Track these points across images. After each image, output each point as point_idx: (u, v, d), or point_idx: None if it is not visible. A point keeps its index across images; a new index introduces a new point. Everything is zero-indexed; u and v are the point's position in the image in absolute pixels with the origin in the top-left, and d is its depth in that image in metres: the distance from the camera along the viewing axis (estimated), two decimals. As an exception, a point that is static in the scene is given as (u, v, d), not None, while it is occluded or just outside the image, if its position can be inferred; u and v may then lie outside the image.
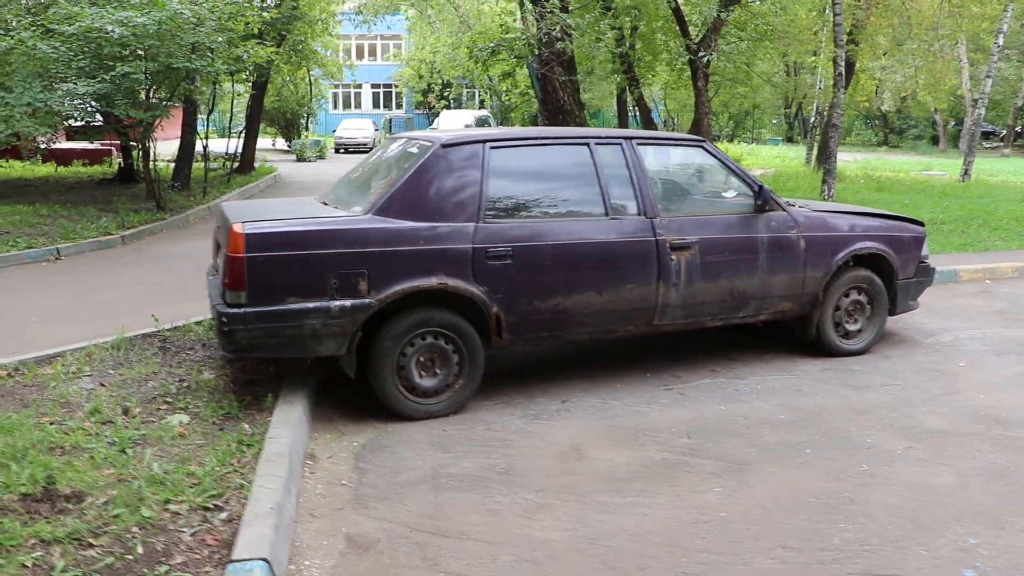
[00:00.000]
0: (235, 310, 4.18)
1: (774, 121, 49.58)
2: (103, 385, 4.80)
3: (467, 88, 39.42)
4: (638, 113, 17.75)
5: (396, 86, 43.16)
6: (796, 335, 5.78)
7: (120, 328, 5.66)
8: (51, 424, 4.18)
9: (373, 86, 43.42)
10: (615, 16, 12.79)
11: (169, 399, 4.59)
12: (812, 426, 4.53)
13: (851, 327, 5.75)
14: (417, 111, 43.17)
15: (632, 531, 3.41)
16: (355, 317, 4.33)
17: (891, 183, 18.38)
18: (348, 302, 4.30)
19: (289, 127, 28.18)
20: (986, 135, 38.88)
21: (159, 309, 6.88)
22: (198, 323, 6.00)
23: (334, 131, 32.56)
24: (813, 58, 20.86)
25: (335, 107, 42.59)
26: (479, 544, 3.30)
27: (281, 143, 28.94)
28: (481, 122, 22.65)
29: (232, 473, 3.68)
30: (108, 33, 9.63)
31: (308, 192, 16.86)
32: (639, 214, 4.95)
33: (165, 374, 5.01)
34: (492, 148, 4.72)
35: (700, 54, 13.58)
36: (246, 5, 11.46)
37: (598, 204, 4.90)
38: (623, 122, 21.55)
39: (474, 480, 3.85)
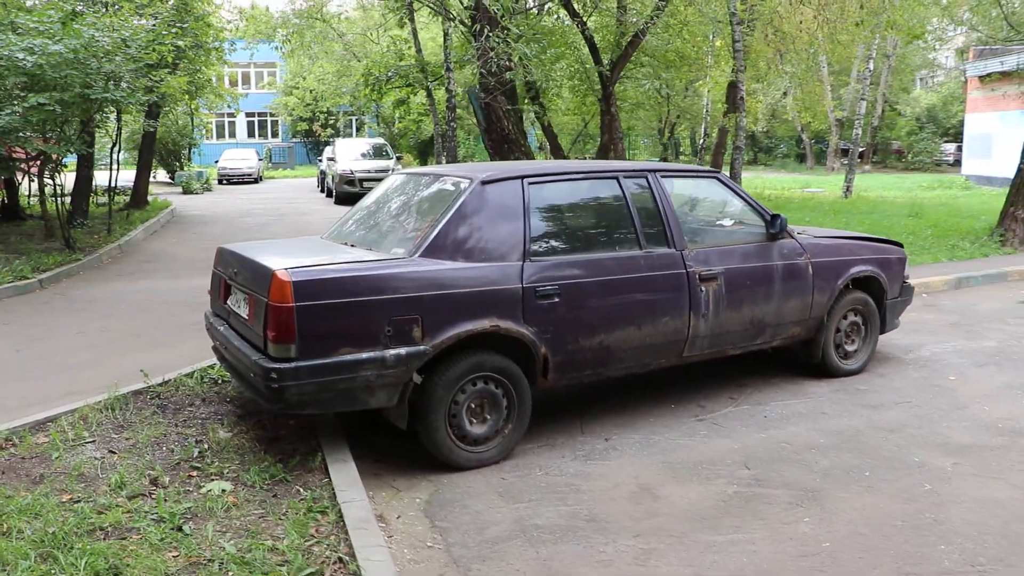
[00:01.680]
0: (285, 365, 3.90)
1: (644, 141, 51.39)
2: (113, 452, 4.39)
3: (352, 116, 38.85)
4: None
5: (273, 115, 42.05)
6: (800, 358, 5.95)
7: (111, 385, 5.27)
8: (76, 503, 3.77)
9: (248, 115, 42.09)
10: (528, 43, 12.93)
11: (196, 464, 4.25)
12: (855, 448, 4.65)
13: (849, 348, 5.98)
14: (294, 139, 42.20)
15: (751, 570, 3.39)
16: (409, 365, 4.13)
17: (782, 201, 19.32)
18: (403, 350, 4.10)
19: (171, 158, 26.89)
20: (845, 152, 41.71)
21: (120, 360, 6.44)
22: (188, 375, 5.60)
23: (216, 162, 31.34)
24: (700, 82, 21.75)
25: (207, 137, 41.05)
26: (610, 599, 3.19)
27: (163, 175, 27.58)
28: (378, 149, 22.32)
29: (317, 545, 3.42)
30: (18, 61, 8.90)
31: (217, 225, 16.19)
32: (669, 247, 4.98)
33: (176, 436, 4.63)
34: (530, 183, 4.65)
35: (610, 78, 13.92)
36: (163, 33, 10.87)
37: (632, 238, 4.90)
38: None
39: (564, 530, 3.73)
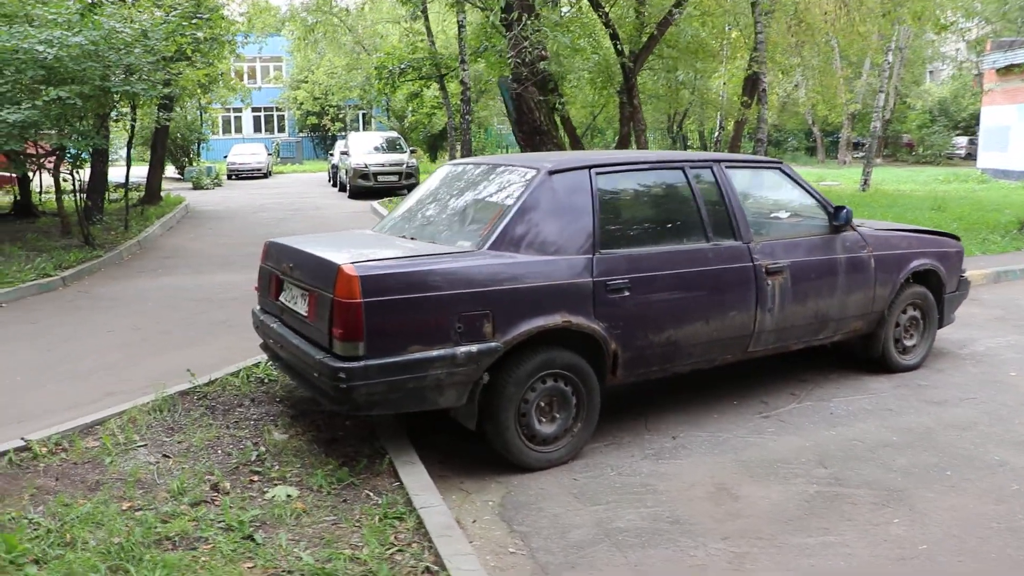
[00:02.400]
0: (354, 364, 3.78)
1: (650, 135, 51.21)
2: (167, 456, 4.27)
3: (360, 111, 38.64)
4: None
5: (280, 109, 41.88)
6: (859, 353, 5.82)
7: (158, 385, 5.13)
8: (137, 510, 3.65)
9: (254, 110, 41.89)
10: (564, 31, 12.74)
11: (256, 468, 4.13)
12: (930, 447, 4.54)
13: (908, 343, 5.86)
14: (301, 134, 42.01)
15: (850, 574, 3.26)
16: (480, 363, 4.01)
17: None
18: (474, 347, 3.97)
19: (180, 154, 26.77)
20: (857, 145, 41.58)
21: (155, 359, 6.34)
22: (234, 375, 5.48)
23: (225, 157, 31.20)
24: (717, 74, 21.60)
25: (213, 132, 40.93)
26: (713, 606, 3.07)
27: (171, 171, 27.44)
28: (392, 143, 22.16)
29: (400, 554, 3.32)
30: (37, 54, 8.76)
31: (233, 220, 16.05)
32: (735, 239, 4.86)
33: (229, 438, 4.51)
34: (598, 173, 4.52)
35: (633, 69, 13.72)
36: (184, 24, 10.72)
37: (698, 230, 4.78)
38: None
39: (649, 533, 3.62)
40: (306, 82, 35.14)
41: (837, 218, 5.29)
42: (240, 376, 5.44)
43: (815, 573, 3.29)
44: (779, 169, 5.39)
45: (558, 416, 4.32)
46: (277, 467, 4.13)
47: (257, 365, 5.66)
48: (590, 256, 4.32)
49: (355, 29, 25.70)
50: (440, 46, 22.70)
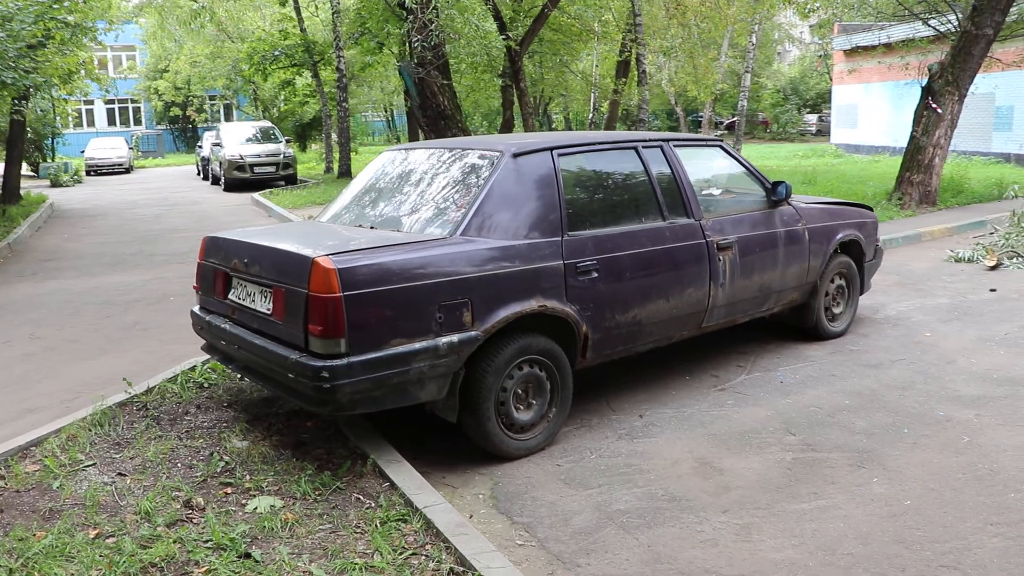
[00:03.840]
0: (337, 362, 3.58)
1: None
2: (123, 475, 3.93)
3: (227, 101, 36.84)
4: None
5: (135, 101, 39.45)
6: (792, 323, 6.03)
7: (95, 397, 4.77)
8: (107, 537, 3.34)
9: (107, 102, 39.28)
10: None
11: (226, 480, 3.87)
12: (880, 408, 4.75)
13: (836, 311, 6.13)
14: (160, 127, 39.79)
15: (852, 534, 3.38)
16: (461, 353, 3.89)
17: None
18: (455, 337, 3.85)
19: (32, 150, 24.79)
20: (717, 125, 43.32)
21: (69, 371, 5.91)
22: (171, 381, 5.10)
23: (82, 152, 29.17)
24: (588, 57, 21.92)
25: (65, 127, 38.17)
26: (737, 579, 3.09)
27: (24, 168, 25.34)
28: (266, 133, 21.29)
29: (415, 557, 3.17)
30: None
31: (107, 218, 15.04)
32: (688, 216, 4.92)
33: (185, 450, 4.20)
34: (560, 155, 4.46)
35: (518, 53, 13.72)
36: (54, 7, 9.85)
37: (654, 209, 4.80)
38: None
39: (650, 512, 3.62)
40: (167, 71, 33.23)
41: (775, 193, 5.44)
42: (178, 382, 5.07)
43: (820, 537, 3.37)
44: (719, 147, 5.49)
45: (534, 402, 4.26)
46: (249, 477, 3.87)
47: (193, 369, 5.31)
48: (559, 239, 4.27)
49: (217, 15, 24.48)
50: (310, 32, 22.00)
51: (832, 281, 6.04)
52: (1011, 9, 12.29)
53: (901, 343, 5.99)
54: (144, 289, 8.54)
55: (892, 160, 22.20)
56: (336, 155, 21.98)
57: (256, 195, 17.34)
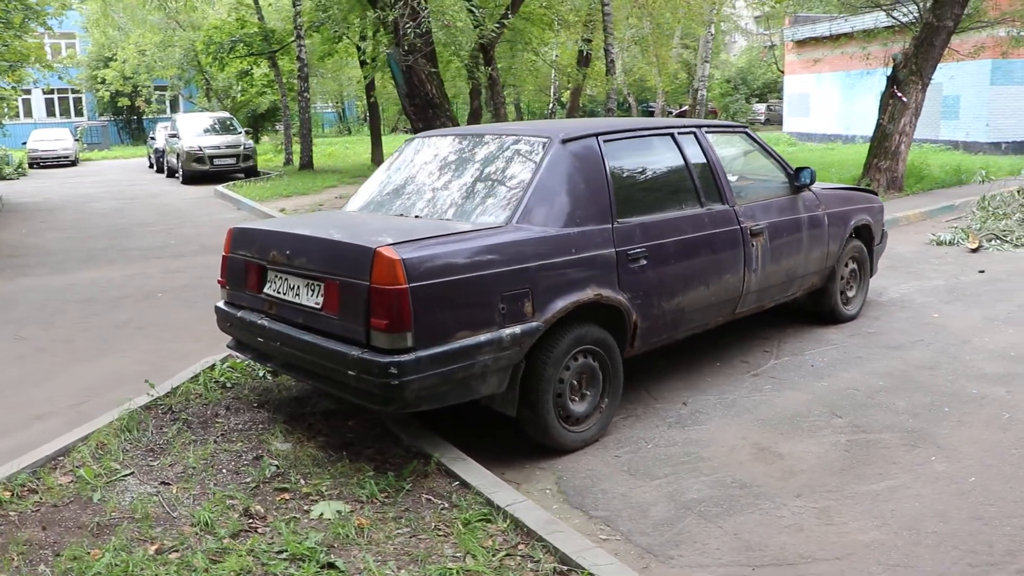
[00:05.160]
0: (405, 357, 3.43)
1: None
2: (166, 484, 3.72)
3: (179, 91, 35.63)
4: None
5: (76, 91, 38.00)
6: (809, 308, 6.03)
7: (120, 400, 4.52)
8: (171, 551, 3.15)
9: (46, 92, 37.74)
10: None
11: (281, 485, 3.69)
12: (916, 388, 4.78)
13: (850, 294, 6.16)
14: (103, 117, 38.42)
15: (929, 513, 3.39)
16: (523, 345, 3.78)
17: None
18: (518, 328, 3.73)
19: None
20: (668, 114, 43.60)
21: (69, 373, 5.65)
22: (192, 381, 4.88)
23: (24, 144, 28.02)
24: (558, 46, 21.84)
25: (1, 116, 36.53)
26: (833, 564, 3.07)
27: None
28: (224, 124, 20.71)
29: (510, 559, 3.06)
30: None
31: (65, 212, 14.50)
32: (723, 203, 4.88)
33: (226, 455, 4.01)
34: (605, 141, 4.36)
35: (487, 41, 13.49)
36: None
37: (692, 195, 4.74)
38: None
39: (726, 500, 3.57)
40: (113, 60, 32.00)
41: (799, 179, 5.42)
42: (201, 383, 4.84)
43: (900, 517, 3.36)
44: (745, 133, 5.46)
45: (588, 393, 4.17)
46: (304, 481, 3.70)
47: (213, 368, 5.08)
48: (610, 226, 4.18)
49: (166, 1, 23.68)
50: (268, 20, 21.46)
51: (846, 265, 6.06)
52: (968, 3, 12.56)
53: (913, 324, 6.04)
54: (127, 286, 8.20)
55: (846, 148, 22.65)
56: (297, 147, 21.50)
57: (220, 187, 16.87)
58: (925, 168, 14.45)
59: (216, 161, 19.15)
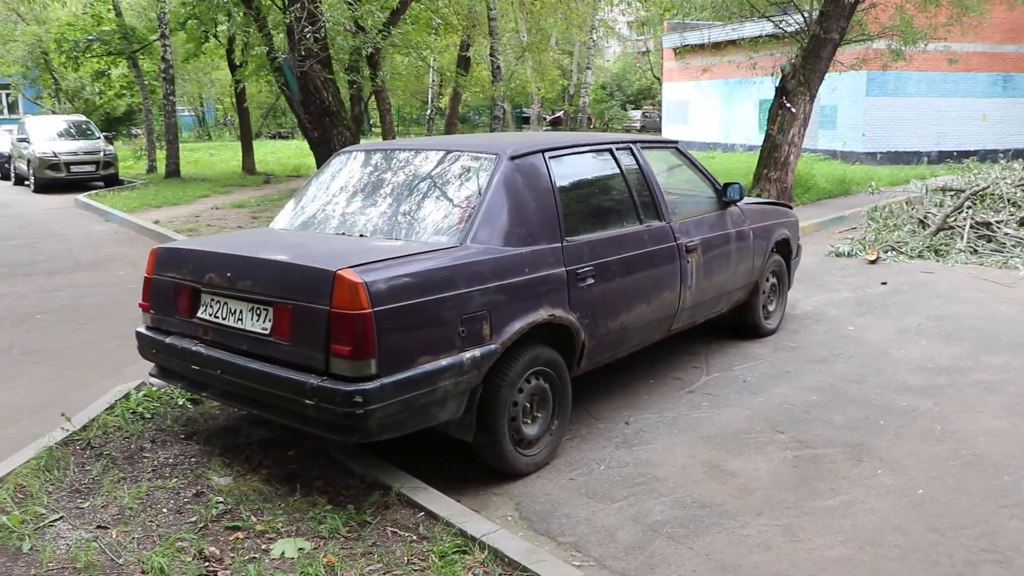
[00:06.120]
0: (369, 385, 3.41)
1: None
2: (103, 528, 3.55)
3: (12, 91, 33.34)
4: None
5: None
6: (731, 322, 6.33)
7: (38, 438, 4.22)
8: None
9: None
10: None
11: (232, 524, 3.58)
12: (848, 402, 5.10)
13: (770, 308, 6.51)
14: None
15: (887, 527, 3.63)
16: (481, 368, 3.82)
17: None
18: (477, 351, 3.78)
19: None
20: (546, 120, 44.42)
21: None
22: (108, 412, 4.65)
23: None
24: (439, 51, 21.91)
25: None
26: (807, 580, 3.25)
27: None
28: (80, 128, 19.61)
29: (494, 590, 3.07)
30: None
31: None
32: (660, 219, 5.06)
33: (162, 493, 3.86)
34: (550, 157, 4.47)
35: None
36: None
37: (632, 212, 4.91)
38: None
39: (691, 521, 3.72)
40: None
41: (726, 194, 5.69)
42: (118, 413, 4.62)
43: (861, 531, 3.59)
44: (675, 148, 5.69)
45: (539, 416, 4.25)
46: (255, 518, 3.61)
47: (127, 397, 4.86)
48: (559, 244, 4.28)
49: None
50: (126, 17, 20.55)
51: (768, 279, 6.40)
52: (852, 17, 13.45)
53: (832, 338, 6.44)
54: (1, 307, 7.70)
55: (726, 156, 23.75)
56: (161, 153, 20.66)
57: (81, 197, 15.99)
58: (811, 179, 15.36)
59: (73, 168, 18.18)
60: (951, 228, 9.83)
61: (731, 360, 5.91)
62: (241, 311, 3.85)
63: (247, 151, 21.08)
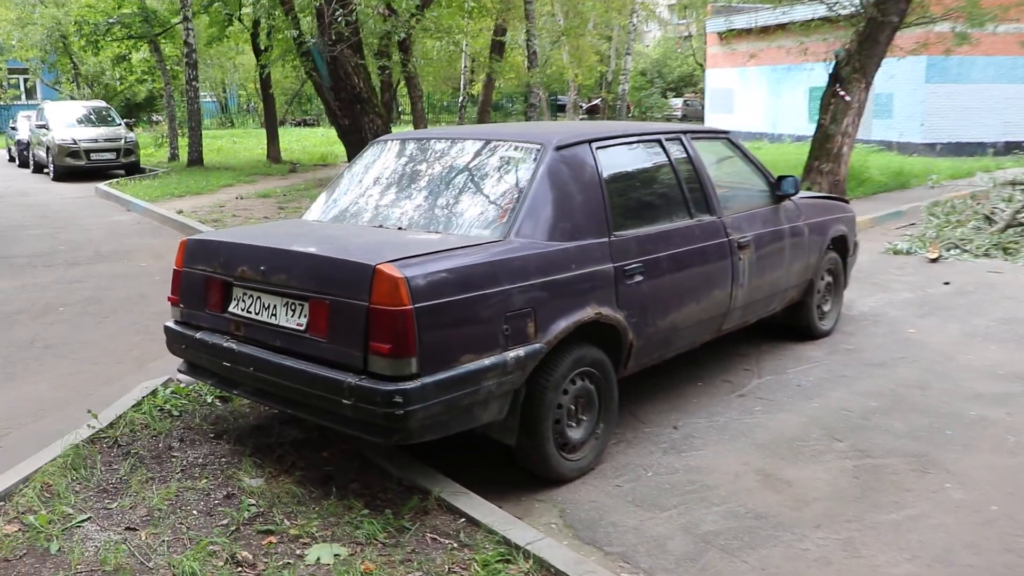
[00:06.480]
0: (410, 384, 3.42)
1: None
2: (132, 529, 3.59)
3: (31, 76, 33.86)
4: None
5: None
6: (784, 323, 6.27)
7: (62, 436, 4.29)
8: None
9: None
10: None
11: (265, 527, 3.60)
12: (911, 409, 5.02)
13: (825, 308, 6.44)
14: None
15: (958, 544, 3.57)
16: (526, 368, 3.82)
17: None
18: (521, 351, 3.77)
19: None
20: (584, 108, 44.30)
21: None
22: (136, 409, 4.71)
23: None
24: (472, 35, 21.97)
25: None
26: (872, 598, 3.21)
27: None
28: (101, 115, 19.90)
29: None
30: None
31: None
32: (711, 214, 5.03)
33: (192, 494, 3.89)
34: (597, 148, 4.45)
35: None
36: None
37: (682, 206, 4.88)
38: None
39: (745, 532, 3.69)
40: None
41: (781, 188, 5.64)
42: (145, 411, 4.69)
43: (929, 548, 3.53)
44: (727, 139, 5.64)
45: (584, 419, 4.24)
46: (288, 522, 3.63)
47: (155, 394, 4.92)
48: (607, 239, 4.26)
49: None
50: (148, 1, 20.79)
51: (823, 278, 6.33)
52: (911, -2, 13.23)
53: (891, 341, 6.35)
54: (20, 299, 7.82)
55: (773, 147, 23.48)
56: (183, 141, 20.90)
57: (102, 185, 16.24)
58: (865, 171, 15.15)
59: (93, 156, 18.45)
60: (1021, 225, 9.65)
61: (784, 363, 5.86)
62: (275, 306, 3.88)
63: (272, 139, 21.25)
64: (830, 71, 13.32)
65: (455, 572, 3.26)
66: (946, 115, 20.92)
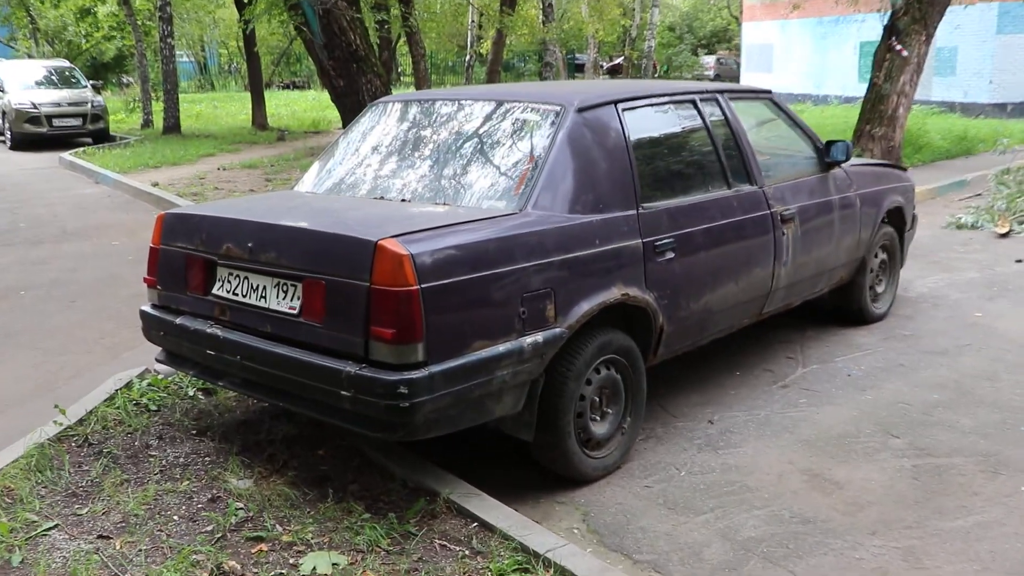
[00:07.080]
0: (416, 374, 3.43)
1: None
2: (105, 537, 3.60)
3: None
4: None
5: None
6: (832, 305, 6.25)
7: (29, 433, 4.30)
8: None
9: None
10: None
11: (255, 534, 3.61)
12: (978, 403, 5.01)
13: (879, 289, 6.42)
14: None
15: (1030, 552, 3.56)
16: (544, 356, 3.83)
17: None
18: (540, 336, 3.78)
19: None
20: (604, 68, 44.18)
21: None
22: (108, 403, 4.75)
23: None
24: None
25: None
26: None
27: None
28: (64, 75, 19.99)
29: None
30: None
31: None
32: (751, 183, 5.02)
33: (173, 498, 3.92)
34: (624, 109, 4.44)
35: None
36: None
37: (718, 174, 4.88)
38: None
39: (791, 539, 3.70)
40: None
41: (830, 154, 5.61)
42: (119, 405, 4.72)
43: (1001, 560, 3.52)
44: (769, 99, 5.62)
45: (609, 412, 4.25)
46: (280, 528, 3.66)
47: (129, 387, 4.96)
48: (635, 212, 4.25)
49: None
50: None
51: (876, 255, 6.31)
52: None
53: (955, 326, 6.33)
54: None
55: (818, 110, 23.33)
56: (158, 105, 20.96)
57: (66, 155, 16.33)
58: (924, 135, 15.05)
59: (56, 122, 18.58)
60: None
61: (832, 350, 5.86)
62: (264, 287, 3.90)
63: (257, 103, 21.27)
64: (885, 22, 13.20)
65: (470, 582, 3.29)
66: (1020, 71, 20.55)
